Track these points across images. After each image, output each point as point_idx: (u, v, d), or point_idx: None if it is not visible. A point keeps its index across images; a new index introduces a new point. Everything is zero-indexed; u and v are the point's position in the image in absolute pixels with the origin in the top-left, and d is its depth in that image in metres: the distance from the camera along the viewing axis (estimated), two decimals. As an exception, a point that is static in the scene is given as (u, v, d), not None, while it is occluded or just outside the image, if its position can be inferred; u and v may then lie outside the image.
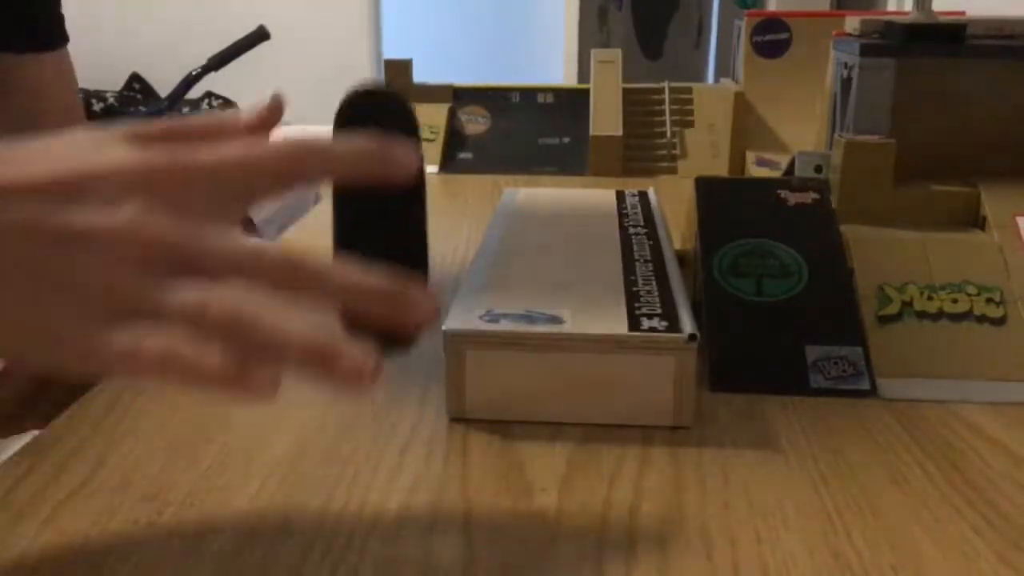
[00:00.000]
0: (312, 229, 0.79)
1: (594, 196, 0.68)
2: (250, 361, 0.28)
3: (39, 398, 0.56)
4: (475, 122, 1.04)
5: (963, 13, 0.79)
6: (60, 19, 0.70)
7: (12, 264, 0.28)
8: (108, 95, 2.80)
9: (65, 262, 0.28)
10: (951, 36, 0.58)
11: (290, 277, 0.31)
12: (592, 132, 0.98)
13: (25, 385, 0.56)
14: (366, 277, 0.31)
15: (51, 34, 0.70)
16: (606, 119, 0.99)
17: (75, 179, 0.29)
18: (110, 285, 0.28)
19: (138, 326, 0.28)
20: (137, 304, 0.28)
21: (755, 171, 0.94)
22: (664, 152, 1.00)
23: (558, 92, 1.05)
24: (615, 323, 0.42)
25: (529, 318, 0.43)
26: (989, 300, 0.49)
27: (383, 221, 0.33)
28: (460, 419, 0.43)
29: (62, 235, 0.28)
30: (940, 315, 0.49)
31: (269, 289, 0.30)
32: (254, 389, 0.28)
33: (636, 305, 0.45)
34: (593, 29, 3.39)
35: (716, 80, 1.67)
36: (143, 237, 0.29)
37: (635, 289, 0.47)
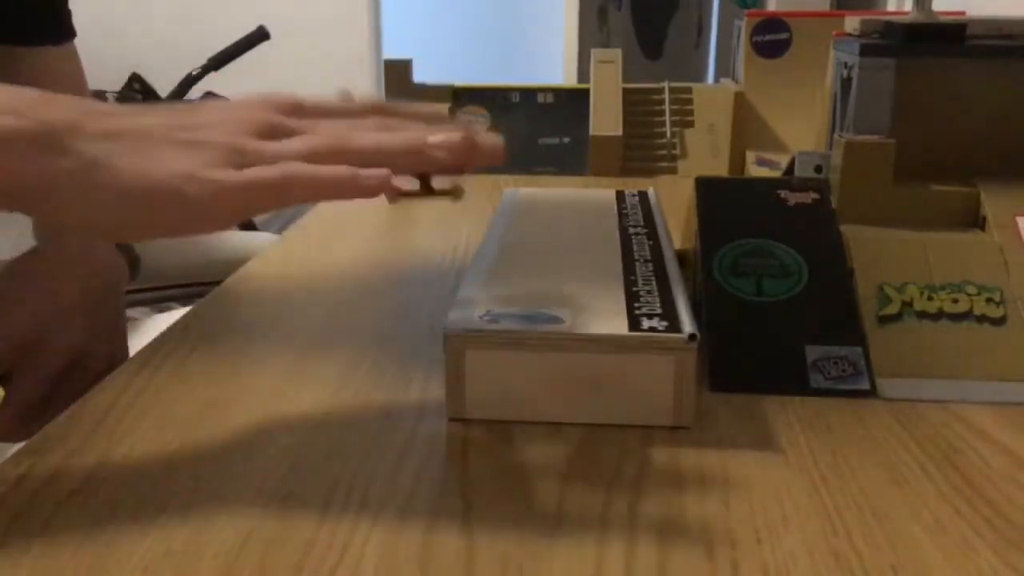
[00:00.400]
0: (312, 229, 0.79)
1: (594, 196, 0.68)
2: (357, 170, 0.35)
3: (44, 411, 0.56)
4: (475, 122, 1.04)
5: (963, 13, 0.79)
6: (68, 13, 0.70)
7: (162, 137, 0.36)
8: (108, 95, 2.80)
9: (204, 138, 0.36)
10: (951, 36, 0.58)
11: (374, 113, 0.40)
12: (592, 132, 0.98)
13: (31, 398, 0.56)
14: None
15: (60, 28, 0.70)
16: (606, 119, 0.99)
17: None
18: (229, 143, 0.36)
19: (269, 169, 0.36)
20: (255, 154, 0.36)
21: (755, 171, 0.94)
22: (664, 152, 1.00)
23: (558, 92, 1.05)
24: (615, 323, 0.42)
25: (529, 318, 0.43)
26: (989, 300, 0.49)
27: None
28: (460, 419, 0.43)
29: (195, 122, 0.37)
30: (940, 315, 0.49)
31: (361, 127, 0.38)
32: (368, 187, 0.36)
33: (636, 305, 0.45)
34: (593, 29, 3.39)
35: (716, 80, 1.67)
36: (255, 114, 0.38)
37: (635, 289, 0.47)
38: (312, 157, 0.36)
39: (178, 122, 0.37)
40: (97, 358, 0.58)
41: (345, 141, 0.37)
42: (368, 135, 0.38)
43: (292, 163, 0.36)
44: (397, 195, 0.39)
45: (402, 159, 0.38)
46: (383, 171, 0.36)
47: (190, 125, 0.37)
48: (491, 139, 0.40)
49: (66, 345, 0.56)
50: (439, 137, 0.38)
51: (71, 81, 0.71)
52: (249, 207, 0.36)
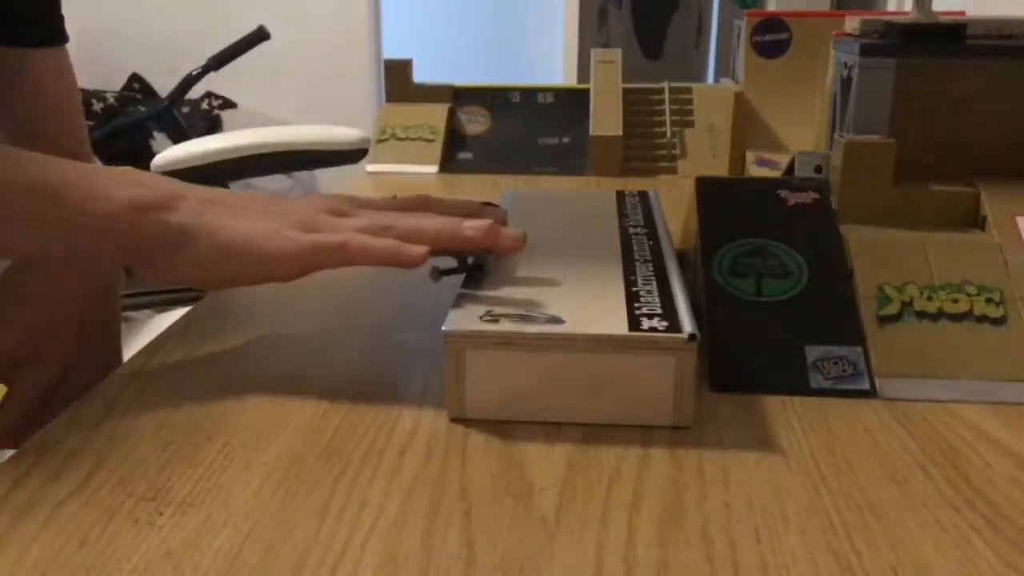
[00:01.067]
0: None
1: (594, 196, 0.68)
2: (402, 244, 0.45)
3: (36, 422, 0.56)
4: (475, 122, 1.04)
5: (963, 13, 0.79)
6: (61, 18, 0.70)
7: (249, 205, 0.46)
8: (108, 95, 2.80)
9: (283, 210, 0.47)
10: (951, 36, 0.58)
11: (420, 207, 0.50)
12: (592, 132, 0.98)
13: (22, 412, 0.56)
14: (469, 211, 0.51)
15: (53, 31, 0.70)
16: (606, 119, 0.99)
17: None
18: (304, 215, 0.46)
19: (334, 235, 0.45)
20: (325, 223, 0.46)
21: (755, 171, 0.94)
22: (664, 152, 1.00)
23: (558, 92, 1.05)
24: (615, 323, 0.42)
25: (529, 318, 0.43)
26: (989, 300, 0.49)
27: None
28: (460, 419, 0.43)
29: (276, 201, 0.48)
30: (940, 315, 0.49)
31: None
32: (409, 257, 0.44)
33: (636, 305, 0.45)
34: (593, 29, 3.39)
35: (716, 80, 1.67)
36: (324, 202, 0.48)
37: (635, 289, 0.47)
38: (367, 231, 0.46)
39: (263, 199, 0.48)
40: (88, 367, 0.58)
41: (394, 221, 0.47)
42: (411, 219, 0.48)
43: (351, 233, 0.46)
44: (439, 274, 0.49)
45: (438, 239, 0.47)
46: (422, 247, 0.45)
47: (273, 201, 0.47)
48: (514, 231, 0.49)
49: (58, 358, 0.56)
50: (472, 223, 0.48)
51: (62, 85, 0.71)
52: (314, 264, 0.45)
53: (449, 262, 0.49)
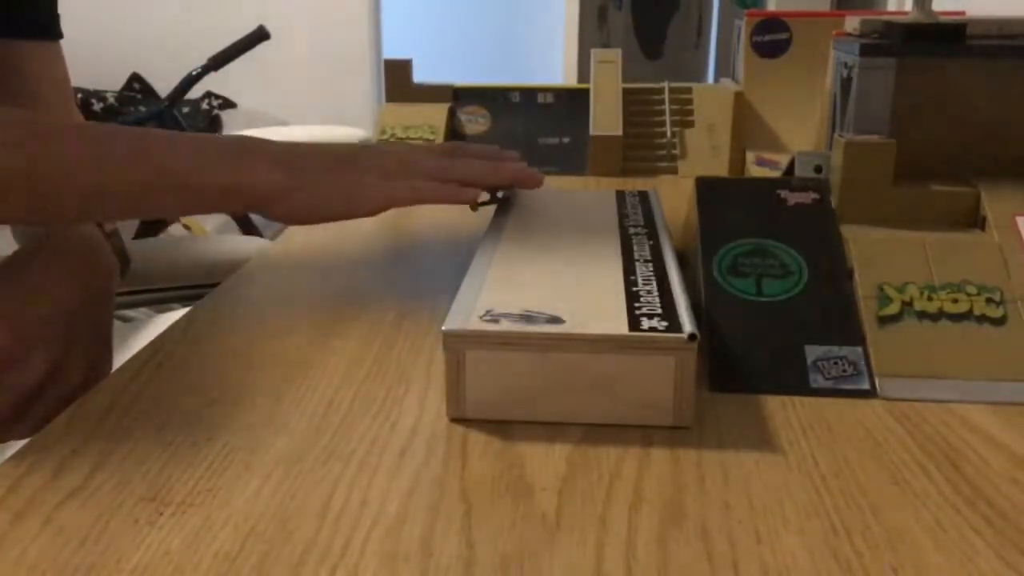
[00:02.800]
0: (311, 230, 0.78)
1: (594, 196, 0.68)
2: (459, 188, 0.60)
3: (27, 415, 0.56)
4: (475, 122, 1.04)
5: (963, 13, 0.79)
6: (57, 15, 0.71)
7: (349, 165, 0.60)
8: (108, 95, 2.80)
9: (367, 165, 0.61)
10: (951, 36, 0.58)
11: (457, 152, 0.65)
12: (592, 132, 0.98)
13: (4, 413, 0.55)
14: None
15: (48, 25, 0.70)
16: (606, 119, 0.99)
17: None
18: (385, 167, 0.60)
19: (407, 181, 0.60)
20: (400, 173, 0.60)
21: (755, 171, 0.94)
22: (664, 152, 1.00)
23: (558, 92, 1.05)
24: (615, 323, 0.42)
25: (529, 318, 0.43)
26: (989, 300, 0.49)
27: None
28: (460, 419, 0.43)
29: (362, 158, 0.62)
30: (940, 315, 0.49)
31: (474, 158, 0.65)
32: (467, 197, 0.60)
33: (636, 305, 0.45)
34: (593, 29, 3.39)
35: (716, 80, 1.67)
36: (395, 152, 0.63)
37: (635, 289, 0.47)
38: (432, 176, 0.61)
39: (347, 155, 0.62)
40: (77, 370, 0.57)
41: (450, 166, 0.62)
42: (463, 164, 0.63)
43: (420, 180, 0.60)
44: (477, 206, 0.64)
45: (483, 180, 0.63)
46: (475, 189, 0.61)
47: (355, 155, 0.62)
48: (533, 171, 0.65)
49: (46, 359, 0.55)
50: (506, 166, 0.65)
51: (55, 79, 0.72)
52: (395, 204, 0.60)
53: (482, 195, 0.64)
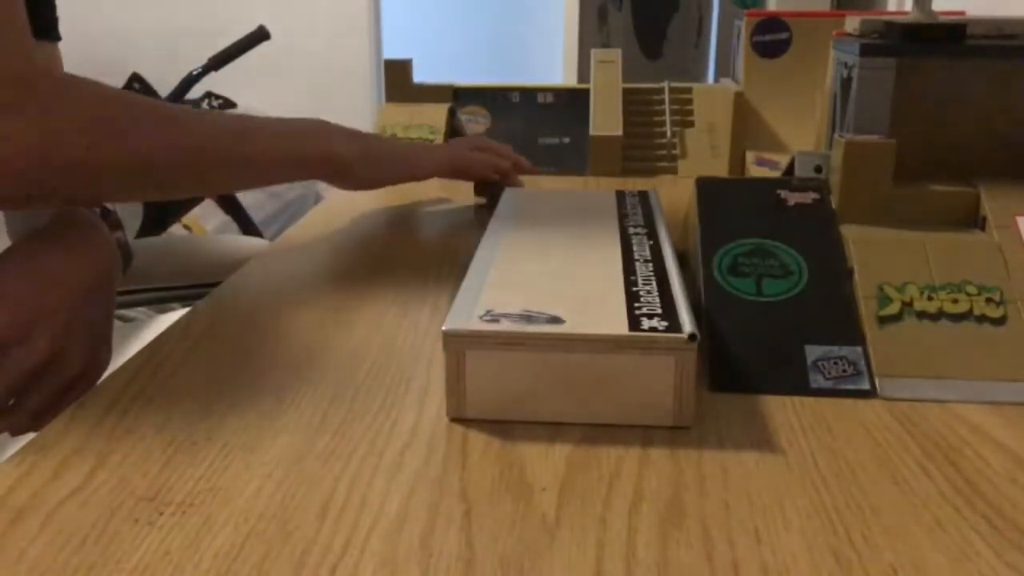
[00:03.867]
0: (311, 230, 0.79)
1: (594, 196, 0.68)
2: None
3: (25, 400, 0.56)
4: (475, 122, 1.04)
5: (963, 13, 0.79)
6: (55, 18, 0.71)
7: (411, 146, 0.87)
8: (108, 95, 2.79)
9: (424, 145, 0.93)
10: (951, 36, 0.58)
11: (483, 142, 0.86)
12: (592, 132, 0.98)
13: (13, 384, 0.55)
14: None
15: (46, 25, 0.70)
16: (606, 119, 0.99)
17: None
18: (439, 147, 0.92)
19: (454, 150, 0.86)
20: (449, 146, 0.88)
21: (755, 171, 0.94)
22: (664, 152, 1.00)
23: (558, 92, 1.05)
24: (615, 323, 0.42)
25: (529, 318, 0.43)
26: (989, 300, 0.49)
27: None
28: (460, 419, 0.43)
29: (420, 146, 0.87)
30: (940, 315, 0.49)
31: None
32: (505, 166, 0.85)
33: (636, 305, 0.45)
34: (593, 29, 3.39)
35: (716, 80, 1.67)
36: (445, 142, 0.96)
37: (635, 289, 0.47)
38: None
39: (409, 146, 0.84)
40: (76, 358, 0.58)
41: (487, 147, 0.85)
42: (495, 147, 0.85)
43: (464, 150, 0.82)
44: (484, 192, 0.86)
45: (507, 164, 0.84)
46: (509, 161, 0.85)
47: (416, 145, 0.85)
48: (527, 163, 0.87)
49: (46, 344, 0.55)
50: (518, 158, 0.86)
51: None
52: (448, 167, 0.80)
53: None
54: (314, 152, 0.68)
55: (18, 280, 0.57)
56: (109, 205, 0.66)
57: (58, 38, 0.72)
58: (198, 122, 0.61)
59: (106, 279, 0.62)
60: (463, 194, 0.89)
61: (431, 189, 0.90)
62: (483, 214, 0.80)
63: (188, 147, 0.59)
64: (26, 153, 0.50)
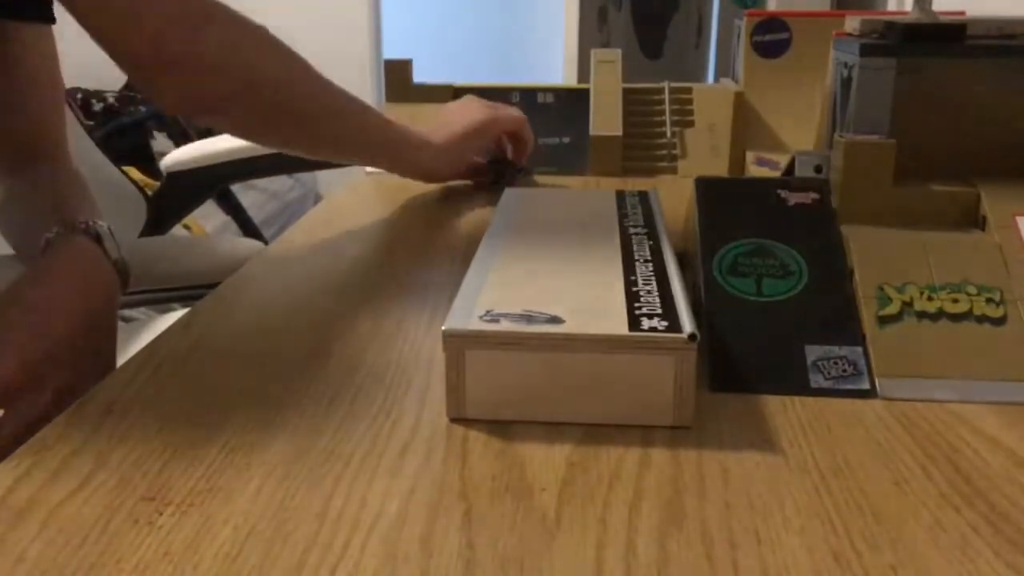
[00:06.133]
0: (311, 230, 0.79)
1: (594, 196, 0.68)
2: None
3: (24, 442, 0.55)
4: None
5: (963, 13, 0.79)
6: (50, 1, 0.71)
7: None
8: (108, 95, 2.80)
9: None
10: (951, 36, 0.58)
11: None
12: (592, 132, 0.98)
13: (12, 438, 0.55)
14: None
15: (40, 8, 0.71)
16: (606, 119, 0.99)
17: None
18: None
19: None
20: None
21: (755, 171, 0.94)
22: (664, 152, 1.00)
23: (558, 92, 1.05)
24: (615, 323, 0.42)
25: (529, 318, 0.43)
26: (989, 300, 0.49)
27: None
28: (460, 419, 0.43)
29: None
30: (940, 315, 0.49)
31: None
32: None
33: (636, 305, 0.45)
34: (593, 29, 3.39)
35: (716, 80, 1.67)
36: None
37: (635, 289, 0.47)
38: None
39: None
40: (82, 389, 0.58)
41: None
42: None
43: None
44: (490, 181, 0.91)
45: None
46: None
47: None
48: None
49: (54, 386, 0.55)
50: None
51: (43, 62, 0.74)
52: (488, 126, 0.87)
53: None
54: (395, 136, 0.79)
55: (16, 326, 0.56)
56: (103, 226, 0.65)
57: (52, 20, 0.73)
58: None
59: (105, 307, 0.62)
60: (463, 194, 0.89)
61: (431, 188, 0.90)
62: (483, 214, 0.80)
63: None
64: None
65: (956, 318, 0.49)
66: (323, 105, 0.72)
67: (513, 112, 0.89)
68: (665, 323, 0.42)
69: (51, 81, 0.75)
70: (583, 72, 2.97)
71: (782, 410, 0.45)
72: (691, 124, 1.01)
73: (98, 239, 0.64)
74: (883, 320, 0.49)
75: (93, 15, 0.61)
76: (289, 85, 0.71)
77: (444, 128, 0.85)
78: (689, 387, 0.42)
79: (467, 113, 0.86)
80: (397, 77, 1.05)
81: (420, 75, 1.06)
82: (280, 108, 0.70)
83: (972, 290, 0.50)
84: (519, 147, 0.91)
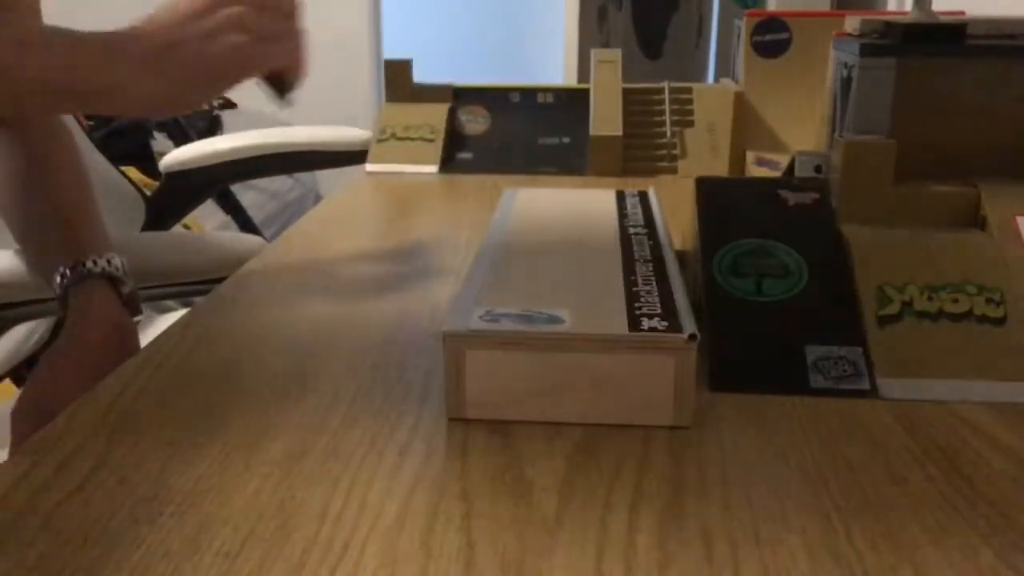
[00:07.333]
0: (311, 230, 0.79)
1: (594, 196, 0.68)
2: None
3: None
4: (475, 122, 1.04)
5: (963, 13, 0.79)
6: None
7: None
8: (108, 95, 2.79)
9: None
10: (951, 36, 0.58)
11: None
12: (592, 132, 0.98)
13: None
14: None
15: None
16: (606, 119, 0.99)
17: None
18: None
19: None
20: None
21: (755, 171, 0.94)
22: (664, 152, 1.00)
23: (558, 92, 1.05)
24: (615, 323, 0.42)
25: (529, 318, 0.43)
26: (989, 300, 0.49)
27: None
28: (460, 419, 0.43)
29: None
30: (940, 315, 0.49)
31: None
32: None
33: (636, 305, 0.45)
34: (593, 29, 3.39)
35: (716, 80, 1.67)
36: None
37: (635, 289, 0.47)
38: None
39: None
40: None
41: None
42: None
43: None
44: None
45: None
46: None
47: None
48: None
49: None
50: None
51: None
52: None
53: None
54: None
55: (60, 395, 0.59)
56: (114, 259, 0.68)
57: None
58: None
59: (132, 353, 0.64)
60: (463, 194, 0.89)
61: (431, 188, 0.90)
62: (483, 214, 0.80)
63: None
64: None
65: (956, 318, 0.49)
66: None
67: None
68: (665, 323, 0.42)
69: (34, 10, 0.74)
70: (583, 72, 2.97)
71: (782, 410, 0.45)
72: (691, 124, 1.01)
73: (111, 279, 0.67)
74: (883, 320, 0.49)
75: None
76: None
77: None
78: (689, 387, 0.42)
79: None
80: (397, 77, 1.05)
81: (420, 75, 1.06)
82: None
83: (972, 290, 0.50)
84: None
